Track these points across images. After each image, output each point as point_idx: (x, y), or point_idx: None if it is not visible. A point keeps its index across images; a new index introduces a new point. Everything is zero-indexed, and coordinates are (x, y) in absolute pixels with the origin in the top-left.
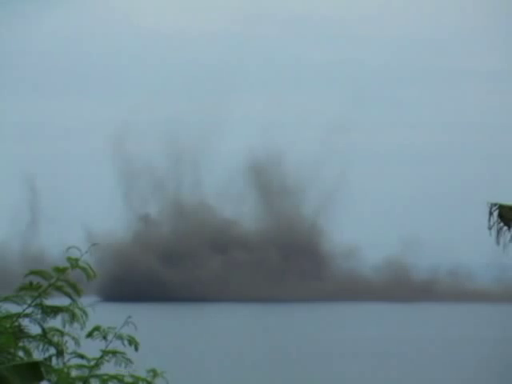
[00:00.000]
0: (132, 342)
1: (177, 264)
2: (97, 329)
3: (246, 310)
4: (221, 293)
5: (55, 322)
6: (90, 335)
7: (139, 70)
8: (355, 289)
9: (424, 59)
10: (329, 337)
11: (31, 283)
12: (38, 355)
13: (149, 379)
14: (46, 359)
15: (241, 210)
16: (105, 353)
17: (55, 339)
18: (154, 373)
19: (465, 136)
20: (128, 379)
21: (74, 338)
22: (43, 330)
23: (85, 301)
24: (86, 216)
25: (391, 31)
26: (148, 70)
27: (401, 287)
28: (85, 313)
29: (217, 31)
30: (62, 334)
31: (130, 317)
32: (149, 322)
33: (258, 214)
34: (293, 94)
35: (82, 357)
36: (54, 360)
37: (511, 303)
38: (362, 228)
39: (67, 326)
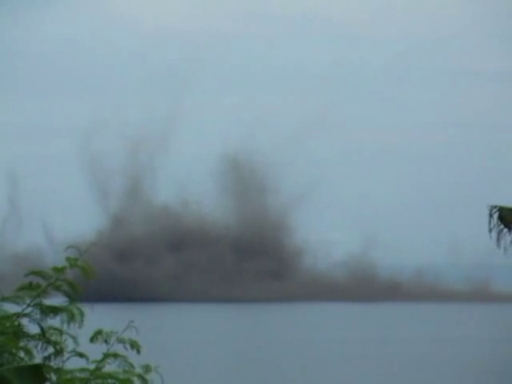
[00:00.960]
0: (134, 345)
1: (135, 264)
2: (99, 333)
3: (201, 310)
4: (177, 293)
5: (54, 322)
6: (92, 339)
7: (133, 69)
8: (319, 288)
9: (424, 59)
10: (281, 338)
11: (31, 283)
12: (36, 354)
13: (143, 374)
14: (45, 358)
15: (208, 209)
16: (106, 356)
17: (54, 338)
18: (148, 368)
19: (464, 136)
20: (121, 376)
21: (72, 337)
22: (42, 329)
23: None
24: (53, 216)
25: (391, 31)
26: (139, 68)
27: (366, 287)
28: (82, 313)
29: (214, 30)
30: (60, 332)
31: (132, 321)
32: (108, 322)
33: (225, 213)
34: (285, 94)
35: (81, 355)
36: (53, 359)
37: (479, 303)
38: (330, 228)
39: (65, 325)
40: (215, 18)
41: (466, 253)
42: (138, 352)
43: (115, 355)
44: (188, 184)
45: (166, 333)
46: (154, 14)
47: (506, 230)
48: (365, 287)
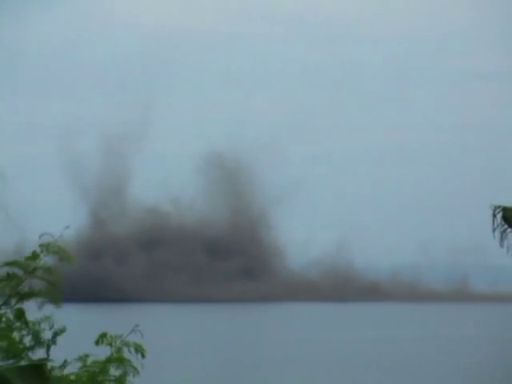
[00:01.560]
0: (138, 349)
1: (106, 262)
2: (103, 336)
3: (173, 310)
4: (150, 292)
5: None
6: (97, 343)
7: (114, 70)
8: (296, 288)
9: (424, 59)
10: (256, 338)
11: (8, 274)
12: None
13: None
14: (28, 348)
15: (186, 209)
16: (110, 360)
17: (31, 325)
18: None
19: (464, 136)
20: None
21: (47, 318)
22: (21, 313)
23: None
24: (33, 214)
25: (390, 31)
26: (123, 68)
27: (344, 287)
28: (59, 294)
29: (199, 30)
30: (43, 320)
31: (137, 325)
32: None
33: (203, 213)
34: (270, 94)
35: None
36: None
37: (458, 302)
38: (308, 228)
39: (43, 309)
40: (201, 18)
41: (444, 253)
42: (143, 356)
43: (120, 359)
44: (167, 183)
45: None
46: (140, 13)
47: (509, 229)
48: (342, 287)
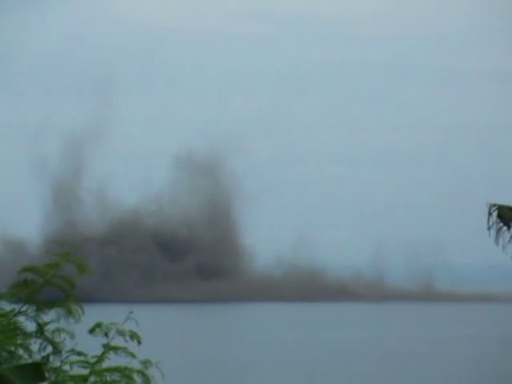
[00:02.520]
0: (134, 337)
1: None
2: (98, 325)
3: (124, 311)
4: (100, 292)
5: (51, 318)
6: (91, 332)
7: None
8: (258, 288)
9: (424, 59)
10: (213, 339)
11: (25, 280)
12: (35, 353)
13: (143, 370)
14: (43, 357)
15: (154, 209)
16: (106, 349)
17: (51, 336)
18: (148, 363)
19: (463, 136)
20: (122, 372)
21: (69, 334)
22: (39, 325)
23: None
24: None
25: (390, 31)
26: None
27: (307, 287)
28: (80, 307)
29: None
30: (59, 331)
31: (131, 312)
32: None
33: (169, 213)
34: (247, 93)
35: (79, 354)
36: (51, 358)
37: (423, 302)
38: (272, 228)
39: (62, 320)
40: (188, 17)
41: (410, 253)
42: (139, 343)
43: (115, 348)
44: (135, 182)
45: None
46: (124, 9)
47: (504, 227)
48: (306, 287)
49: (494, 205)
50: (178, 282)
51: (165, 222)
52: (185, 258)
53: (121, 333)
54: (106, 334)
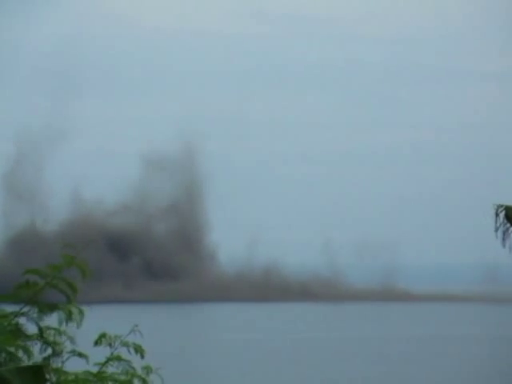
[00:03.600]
0: (138, 350)
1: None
2: (103, 336)
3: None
4: (53, 292)
5: (52, 321)
6: (96, 343)
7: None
8: (214, 288)
9: (424, 59)
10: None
11: (27, 282)
12: (35, 354)
13: (143, 376)
14: (44, 359)
15: (112, 207)
16: (109, 359)
17: (52, 338)
18: (148, 369)
19: (462, 136)
20: (121, 377)
21: (69, 337)
22: (40, 328)
23: None
24: None
25: (390, 31)
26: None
27: (260, 287)
28: (81, 311)
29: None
30: (59, 332)
31: (136, 325)
32: None
33: (128, 211)
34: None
35: (80, 355)
36: (51, 360)
37: (385, 302)
38: (228, 228)
39: (64, 324)
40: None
41: (371, 253)
42: (142, 357)
43: (118, 358)
44: (93, 181)
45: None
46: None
47: (511, 229)
48: (261, 287)
49: (501, 205)
50: (125, 281)
51: (120, 221)
52: (134, 257)
53: (125, 344)
54: (110, 345)
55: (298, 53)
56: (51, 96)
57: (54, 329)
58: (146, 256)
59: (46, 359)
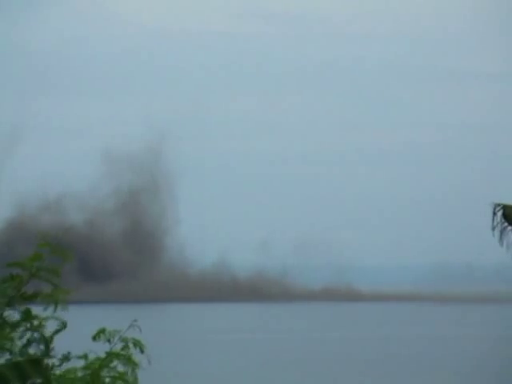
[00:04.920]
0: (137, 344)
1: None
2: (102, 331)
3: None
4: None
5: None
6: (95, 338)
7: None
8: (163, 288)
9: (424, 59)
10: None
11: (11, 275)
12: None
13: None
14: (28, 341)
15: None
16: (109, 355)
17: (37, 323)
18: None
19: (462, 136)
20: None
21: (57, 319)
22: (23, 312)
23: None
24: None
25: (390, 31)
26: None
27: (222, 287)
28: (66, 292)
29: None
30: (47, 319)
31: (135, 320)
32: None
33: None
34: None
35: (80, 357)
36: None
37: (333, 302)
38: (190, 228)
39: (51, 310)
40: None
41: (320, 253)
42: (142, 351)
43: (117, 355)
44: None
45: None
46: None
47: (509, 227)
48: (216, 288)
49: (499, 204)
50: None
51: (66, 221)
52: (76, 258)
53: (124, 340)
54: (109, 341)
55: (298, 52)
56: (16, 95)
57: (37, 317)
58: (88, 256)
59: (42, 353)
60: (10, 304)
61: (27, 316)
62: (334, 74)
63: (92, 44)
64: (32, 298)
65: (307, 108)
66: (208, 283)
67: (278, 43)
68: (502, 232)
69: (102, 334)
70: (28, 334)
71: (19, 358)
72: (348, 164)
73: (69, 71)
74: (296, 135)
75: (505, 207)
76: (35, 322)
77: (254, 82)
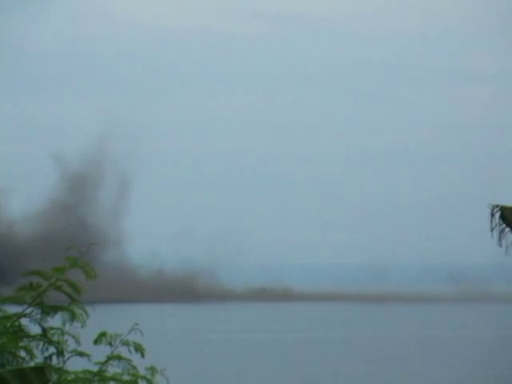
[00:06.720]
0: (138, 348)
1: None
2: (103, 335)
3: None
4: None
5: (55, 322)
6: (96, 342)
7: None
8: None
9: (423, 59)
10: None
11: (31, 283)
12: (38, 355)
13: (148, 377)
14: (46, 358)
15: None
16: (110, 358)
17: (55, 338)
18: (153, 370)
19: (461, 136)
20: (126, 377)
21: (74, 337)
22: (43, 329)
23: None
24: None
25: (390, 31)
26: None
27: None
28: (85, 312)
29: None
30: (62, 333)
31: (136, 324)
32: None
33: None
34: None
35: (81, 354)
36: (54, 359)
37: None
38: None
39: (67, 325)
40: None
41: (255, 252)
42: (143, 355)
43: (119, 357)
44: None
45: None
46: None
47: (507, 229)
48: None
49: (497, 206)
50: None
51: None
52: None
53: (125, 344)
54: (111, 344)
55: (298, 52)
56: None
57: (57, 328)
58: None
59: (47, 358)
60: (28, 314)
61: (46, 332)
62: (334, 74)
63: (92, 44)
64: (51, 311)
65: (307, 108)
66: (138, 282)
67: (278, 43)
68: (500, 234)
69: (103, 338)
70: (44, 346)
71: (24, 366)
72: (348, 164)
73: (69, 71)
74: (296, 135)
75: (503, 209)
76: (54, 338)
77: (253, 82)
